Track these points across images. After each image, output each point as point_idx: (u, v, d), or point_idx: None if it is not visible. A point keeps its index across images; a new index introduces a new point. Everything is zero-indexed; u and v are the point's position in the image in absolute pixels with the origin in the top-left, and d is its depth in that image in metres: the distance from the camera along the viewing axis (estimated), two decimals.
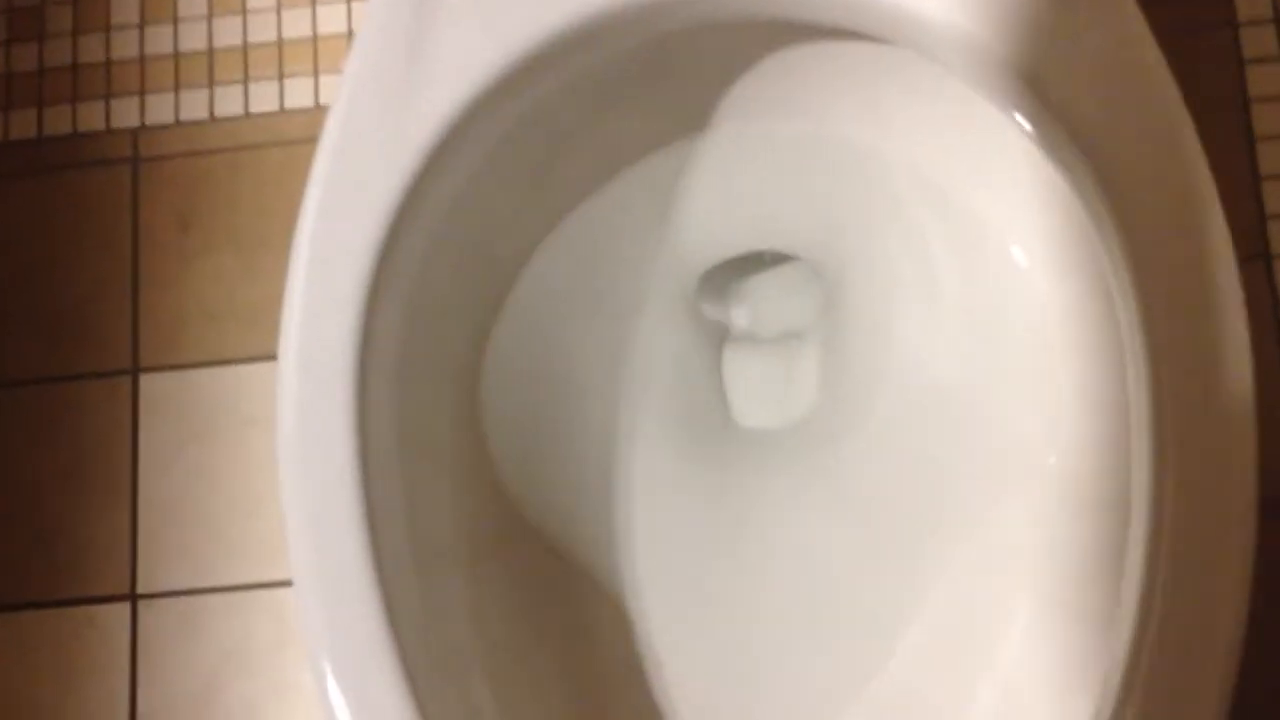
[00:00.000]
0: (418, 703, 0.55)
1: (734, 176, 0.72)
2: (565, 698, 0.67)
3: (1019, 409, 0.66)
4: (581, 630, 0.70)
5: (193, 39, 0.98)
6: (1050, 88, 0.54)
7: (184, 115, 0.97)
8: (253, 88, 0.97)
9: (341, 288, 0.58)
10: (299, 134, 0.95)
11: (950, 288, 0.69)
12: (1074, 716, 0.53)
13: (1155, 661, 0.50)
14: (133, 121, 0.98)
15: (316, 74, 0.96)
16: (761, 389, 0.77)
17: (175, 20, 0.99)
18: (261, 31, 0.98)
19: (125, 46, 0.99)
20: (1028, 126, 0.55)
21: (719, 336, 0.79)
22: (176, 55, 0.98)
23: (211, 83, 0.97)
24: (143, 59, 0.99)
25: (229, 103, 0.97)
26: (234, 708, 0.89)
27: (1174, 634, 0.50)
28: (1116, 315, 0.54)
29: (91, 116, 0.98)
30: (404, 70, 0.59)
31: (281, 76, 0.97)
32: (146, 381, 0.94)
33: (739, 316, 0.80)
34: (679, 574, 0.71)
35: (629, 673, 0.68)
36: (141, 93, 0.98)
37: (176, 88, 0.98)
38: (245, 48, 0.98)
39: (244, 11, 0.98)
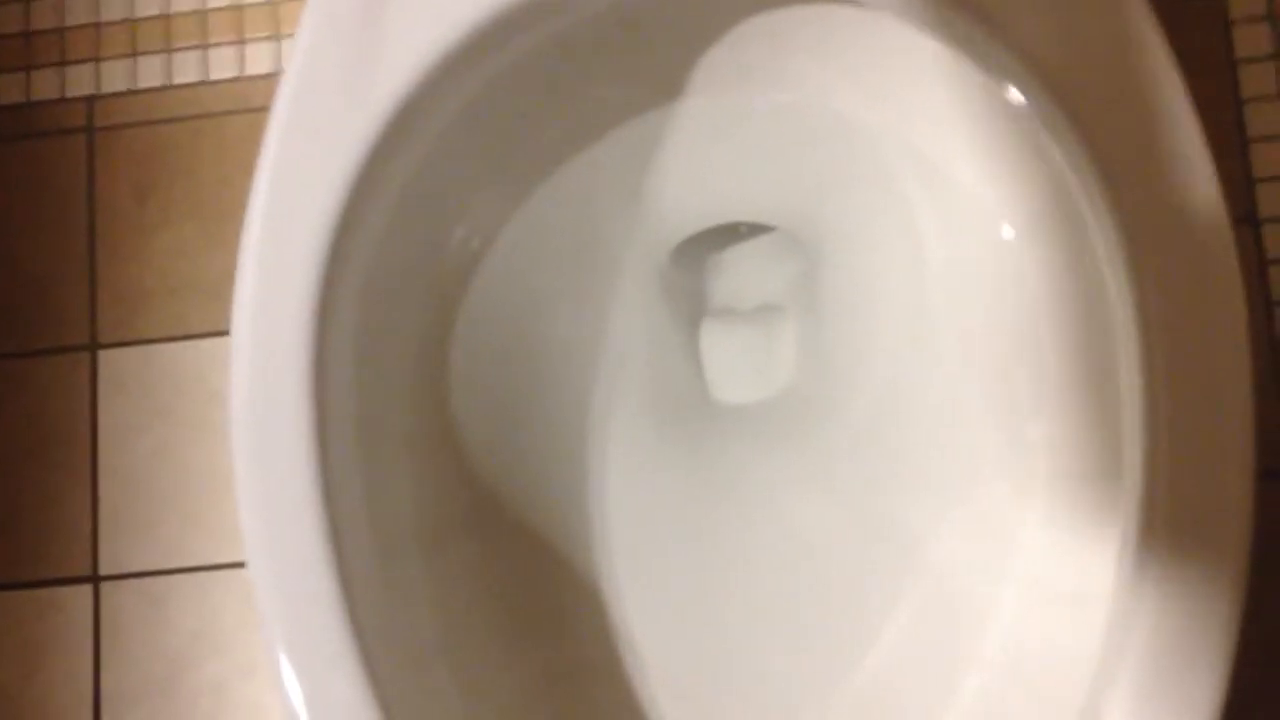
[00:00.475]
0: (377, 691, 0.54)
1: (709, 146, 0.71)
2: (537, 686, 0.66)
3: (1004, 382, 0.65)
4: (554, 616, 0.69)
5: (148, 3, 0.97)
6: (1040, 55, 0.53)
7: (140, 82, 0.96)
8: (211, 53, 0.96)
9: (296, 266, 0.56)
10: (260, 101, 0.95)
11: (935, 259, 0.68)
12: (1063, 702, 0.52)
13: (1150, 643, 0.50)
14: (87, 89, 0.97)
15: (278, 38, 0.95)
16: (740, 363, 0.77)
17: None
18: None
19: (79, 12, 0.98)
20: (1019, 98, 0.54)
21: (695, 310, 0.79)
22: (132, 20, 0.97)
23: (169, 48, 0.96)
24: (98, 24, 0.97)
25: (187, 69, 0.96)
26: (202, 689, 0.89)
27: (1170, 614, 0.50)
28: (1105, 287, 0.54)
29: (45, 84, 0.97)
30: (362, 32, 0.57)
31: (242, 41, 0.95)
32: (106, 357, 0.93)
33: (715, 289, 0.80)
34: (656, 557, 0.71)
35: (603, 659, 0.68)
36: (96, 59, 0.97)
37: (133, 54, 0.97)
38: (204, 11, 0.96)
39: None
